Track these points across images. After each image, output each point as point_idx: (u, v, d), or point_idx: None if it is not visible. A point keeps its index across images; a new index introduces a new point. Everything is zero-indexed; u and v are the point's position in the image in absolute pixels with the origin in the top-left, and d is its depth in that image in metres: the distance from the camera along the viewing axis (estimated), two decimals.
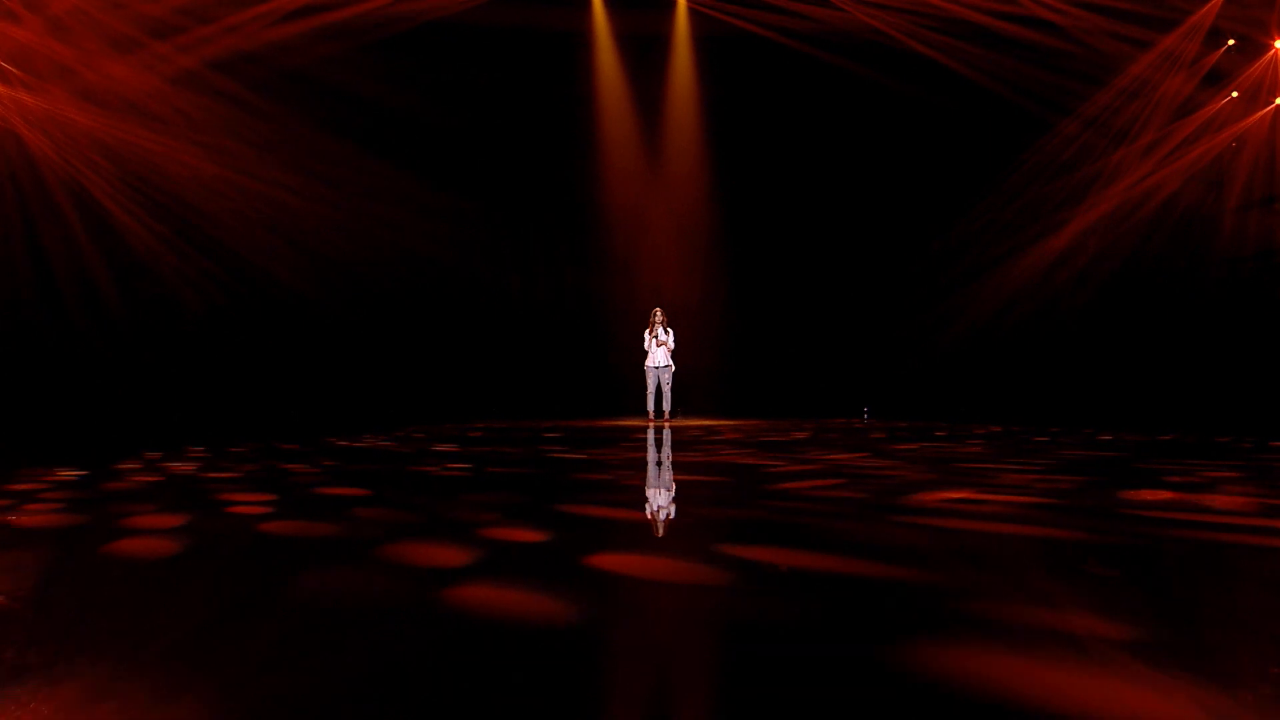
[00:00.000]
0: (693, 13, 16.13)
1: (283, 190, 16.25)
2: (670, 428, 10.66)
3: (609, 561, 2.38)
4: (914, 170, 17.51)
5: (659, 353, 11.29)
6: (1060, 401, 15.83)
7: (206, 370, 15.29)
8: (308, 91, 15.76)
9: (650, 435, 9.21)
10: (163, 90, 14.08)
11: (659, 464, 5.21)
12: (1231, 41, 14.04)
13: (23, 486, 4.28)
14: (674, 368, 11.49)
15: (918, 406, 16.58)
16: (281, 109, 15.77)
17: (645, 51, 17.45)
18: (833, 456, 5.60)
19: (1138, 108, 14.83)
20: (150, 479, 4.73)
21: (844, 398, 17.48)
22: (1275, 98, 13.30)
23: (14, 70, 12.38)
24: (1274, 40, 13.18)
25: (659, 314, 11.37)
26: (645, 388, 11.68)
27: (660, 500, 3.58)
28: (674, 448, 6.76)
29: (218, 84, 14.91)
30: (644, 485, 4.27)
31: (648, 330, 11.43)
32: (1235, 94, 14.10)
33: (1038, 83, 16.03)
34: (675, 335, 11.53)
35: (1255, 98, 13.57)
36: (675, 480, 4.46)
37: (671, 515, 3.33)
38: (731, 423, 12.42)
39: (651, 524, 3.18)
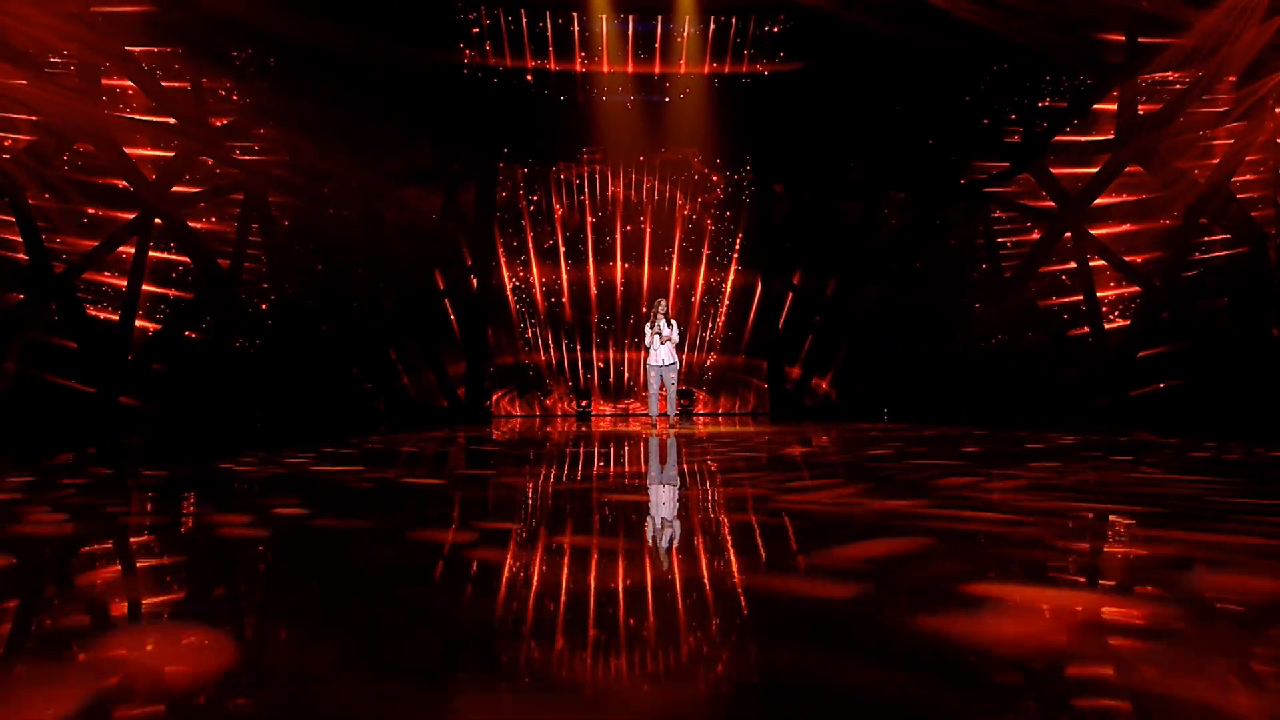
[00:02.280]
0: None
1: None
2: (676, 434, 9.42)
3: None
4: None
5: (662, 349, 10.04)
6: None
7: None
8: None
9: (654, 446, 7.97)
10: None
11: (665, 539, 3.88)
12: None
13: None
14: (680, 365, 10.24)
15: (941, 408, 15.30)
16: None
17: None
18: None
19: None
20: None
21: (863, 399, 16.19)
22: None
23: None
24: None
25: (662, 305, 10.12)
26: (647, 388, 10.42)
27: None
28: (694, 481, 5.51)
29: None
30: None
31: (648, 324, 10.19)
32: None
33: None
34: (680, 329, 10.27)
35: None
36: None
37: None
38: (752, 429, 11.22)
39: None
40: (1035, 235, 15.77)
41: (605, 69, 16.51)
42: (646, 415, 10.92)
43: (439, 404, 16.13)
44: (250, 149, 15.20)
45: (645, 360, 10.30)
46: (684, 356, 16.77)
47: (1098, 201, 15.10)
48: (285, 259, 15.33)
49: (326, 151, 15.30)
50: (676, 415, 10.53)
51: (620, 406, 16.93)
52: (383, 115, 15.50)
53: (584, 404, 16.54)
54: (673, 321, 10.17)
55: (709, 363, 17.11)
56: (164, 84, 14.19)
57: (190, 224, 14.57)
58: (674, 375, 10.18)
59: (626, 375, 16.97)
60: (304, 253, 15.51)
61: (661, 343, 10.07)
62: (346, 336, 15.58)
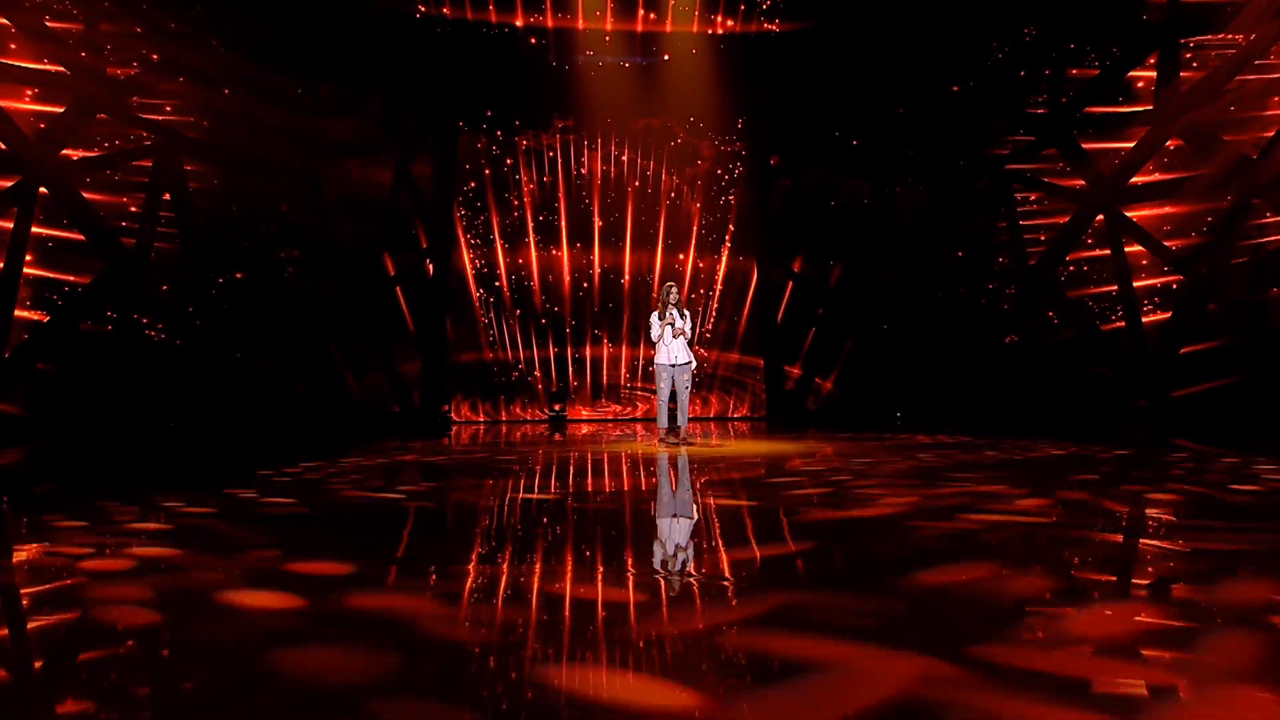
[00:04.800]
0: None
1: None
2: (689, 454, 7.46)
3: None
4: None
5: (674, 345, 8.06)
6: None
7: None
8: None
9: (664, 471, 6.00)
10: None
11: None
12: None
13: None
14: (695, 364, 8.28)
15: (959, 412, 13.66)
16: None
17: None
18: None
19: None
20: None
21: (871, 401, 14.43)
22: None
23: None
24: None
25: (673, 291, 8.13)
26: (656, 393, 8.45)
27: None
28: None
29: None
30: None
31: (655, 314, 8.20)
32: None
33: None
34: (691, 321, 8.28)
35: None
36: None
37: None
38: (779, 445, 9.35)
39: None
40: (1063, 218, 14.18)
41: (580, 25, 14.45)
42: (633, 421, 8.92)
43: (389, 409, 13.90)
44: (161, 107, 12.78)
45: (654, 359, 8.31)
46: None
47: (1134, 180, 13.55)
48: (205, 239, 12.94)
49: (254, 112, 12.97)
50: (687, 428, 8.53)
51: (599, 410, 14.90)
52: (322, 70, 13.20)
53: (557, 408, 14.46)
54: (685, 311, 8.19)
55: (699, 360, 15.20)
56: (51, 24, 11.71)
57: (85, 195, 12.10)
58: (687, 377, 8.20)
59: (605, 374, 14.95)
60: (227, 232, 13.12)
61: (674, 336, 8.09)
62: (280, 331, 13.26)
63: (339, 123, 13.81)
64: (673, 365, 8.12)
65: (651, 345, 8.25)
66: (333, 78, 13.36)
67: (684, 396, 8.18)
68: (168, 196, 12.72)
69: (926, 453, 6.96)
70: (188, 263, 12.87)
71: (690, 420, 14.27)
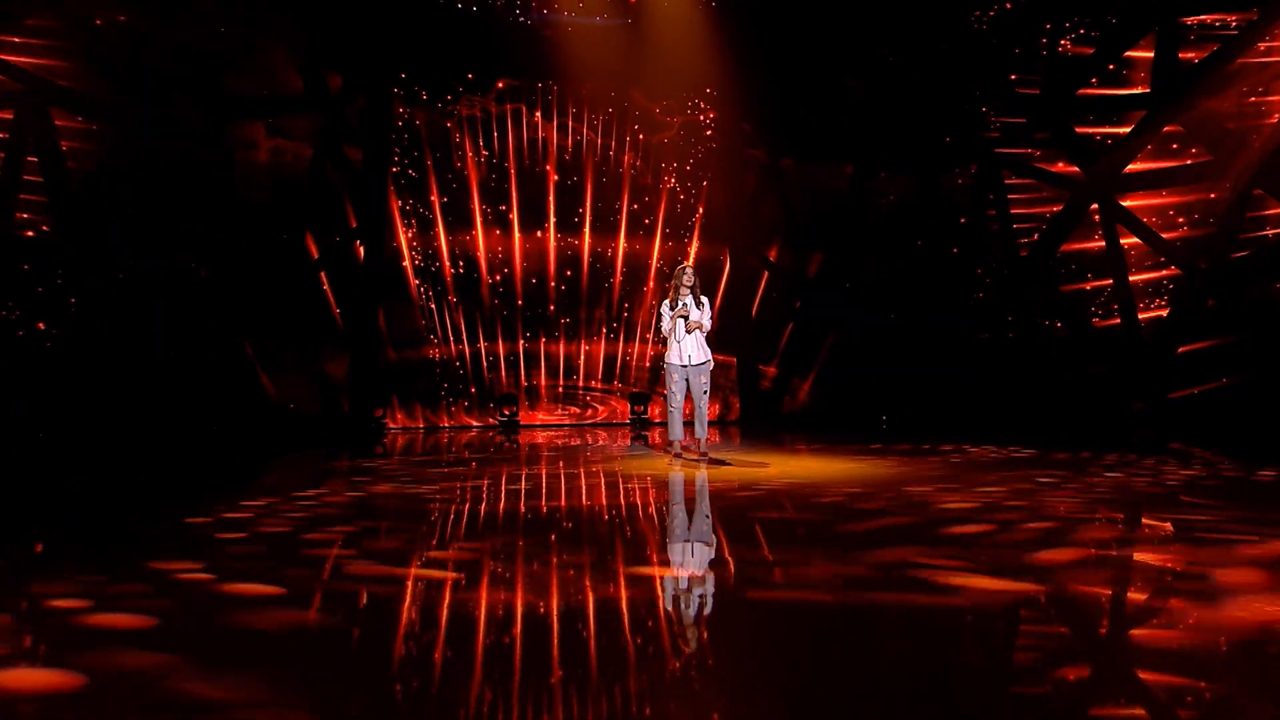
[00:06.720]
0: None
1: None
2: (708, 477, 5.96)
3: None
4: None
5: (688, 340, 6.56)
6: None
7: None
8: None
9: (678, 499, 4.52)
10: None
11: None
12: None
13: None
14: (712, 364, 6.77)
15: (949, 415, 12.62)
16: None
17: None
18: None
19: None
20: None
21: (853, 403, 13.20)
22: None
23: None
24: None
25: (688, 273, 6.62)
26: (667, 396, 6.93)
27: None
28: None
29: None
30: None
31: (665, 301, 6.68)
32: None
33: None
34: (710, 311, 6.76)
35: None
36: None
37: None
38: (814, 463, 8.01)
39: None
40: (1056, 207, 13.31)
41: None
42: (595, 426, 7.43)
43: (314, 414, 11.88)
44: (25, 46, 10.47)
45: (665, 356, 6.77)
46: (633, 348, 13.28)
47: (1131, 167, 12.76)
48: (82, 210, 10.68)
49: (147, 59, 10.79)
50: (707, 440, 7.02)
51: (555, 414, 13.23)
52: (229, 12, 11.14)
53: (509, 412, 12.73)
54: (704, 299, 6.68)
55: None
56: None
57: None
58: (704, 379, 6.69)
59: (562, 373, 13.29)
60: (112, 203, 10.87)
61: (688, 330, 6.57)
62: (179, 322, 11.11)
63: (251, 78, 11.70)
64: (685, 365, 6.60)
65: (662, 339, 6.72)
66: (243, 22, 11.28)
67: (701, 402, 6.67)
68: (35, 159, 10.45)
69: (1057, 475, 5.64)
70: (61, 239, 10.59)
71: (654, 425, 12.77)
